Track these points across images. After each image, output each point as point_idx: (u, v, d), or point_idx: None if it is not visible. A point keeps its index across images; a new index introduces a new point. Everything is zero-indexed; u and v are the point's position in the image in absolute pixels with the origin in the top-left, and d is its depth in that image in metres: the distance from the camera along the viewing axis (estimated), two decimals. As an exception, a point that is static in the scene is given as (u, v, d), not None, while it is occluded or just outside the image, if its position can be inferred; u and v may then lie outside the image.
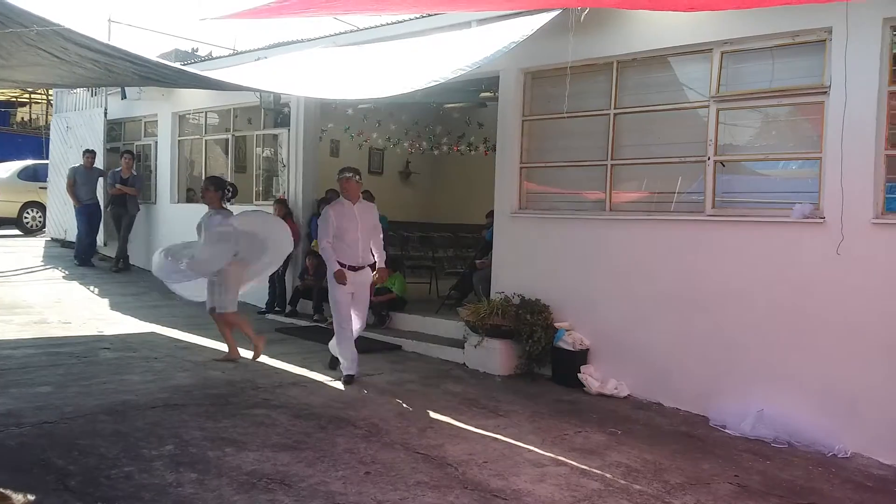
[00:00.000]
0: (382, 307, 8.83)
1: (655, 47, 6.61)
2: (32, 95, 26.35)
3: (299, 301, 9.78)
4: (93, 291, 10.79)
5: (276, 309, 10.01)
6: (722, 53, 6.22)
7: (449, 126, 12.92)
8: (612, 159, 6.98)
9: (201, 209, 12.14)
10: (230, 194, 7.29)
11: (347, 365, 6.60)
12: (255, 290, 9.94)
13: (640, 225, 6.79)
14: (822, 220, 5.63)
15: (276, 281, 9.95)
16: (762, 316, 5.91)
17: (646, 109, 6.84)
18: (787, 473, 4.90)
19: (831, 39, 5.58)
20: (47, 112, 24.93)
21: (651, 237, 6.67)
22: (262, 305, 10.08)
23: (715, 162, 6.29)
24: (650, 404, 6.46)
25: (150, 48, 15.44)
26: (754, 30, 5.95)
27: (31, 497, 1.07)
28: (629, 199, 7.12)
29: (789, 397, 5.66)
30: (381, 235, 6.82)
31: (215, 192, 7.08)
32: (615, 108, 6.94)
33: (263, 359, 7.26)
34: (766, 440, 5.54)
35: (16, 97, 26.53)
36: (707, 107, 6.35)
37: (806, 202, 5.75)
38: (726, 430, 5.76)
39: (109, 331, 8.39)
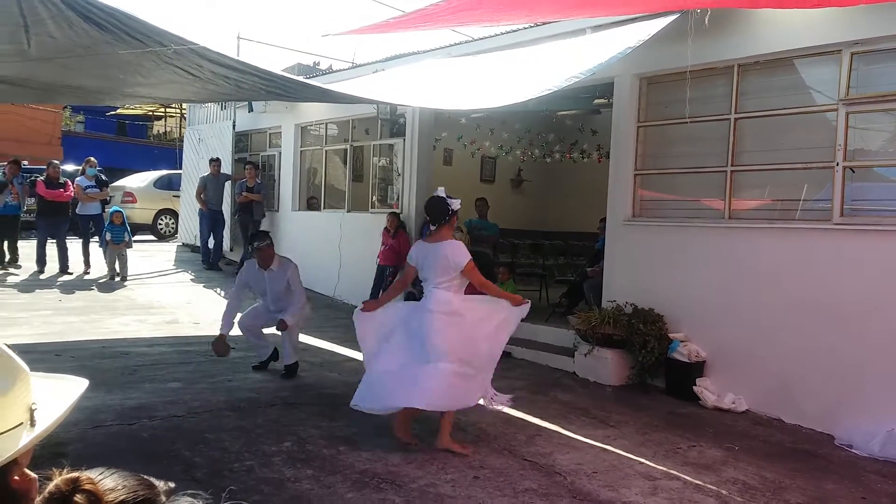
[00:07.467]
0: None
1: (779, 49, 6.34)
2: (167, 110, 28.05)
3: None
4: (219, 294, 11.36)
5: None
6: (852, 54, 5.90)
7: (562, 133, 12.85)
8: (732, 165, 6.75)
9: (321, 217, 12.60)
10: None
11: None
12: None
13: (761, 233, 6.53)
14: (963, 230, 5.26)
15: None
16: (894, 330, 5.56)
17: (769, 114, 6.57)
18: (922, 499, 4.59)
19: (975, 37, 5.22)
20: (181, 125, 26.50)
21: (774, 246, 6.39)
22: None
23: (844, 168, 5.97)
24: (770, 420, 6.19)
25: (275, 63, 16.15)
26: (887, 29, 5.60)
27: (171, 484, 1.17)
28: (750, 206, 6.86)
29: (925, 418, 5.29)
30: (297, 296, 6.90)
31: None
32: (736, 113, 6.71)
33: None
34: (898, 462, 5.20)
35: (152, 111, 28.33)
36: (835, 110, 6.03)
37: (945, 210, 5.39)
38: (853, 450, 5.44)
39: (235, 331, 8.79)
